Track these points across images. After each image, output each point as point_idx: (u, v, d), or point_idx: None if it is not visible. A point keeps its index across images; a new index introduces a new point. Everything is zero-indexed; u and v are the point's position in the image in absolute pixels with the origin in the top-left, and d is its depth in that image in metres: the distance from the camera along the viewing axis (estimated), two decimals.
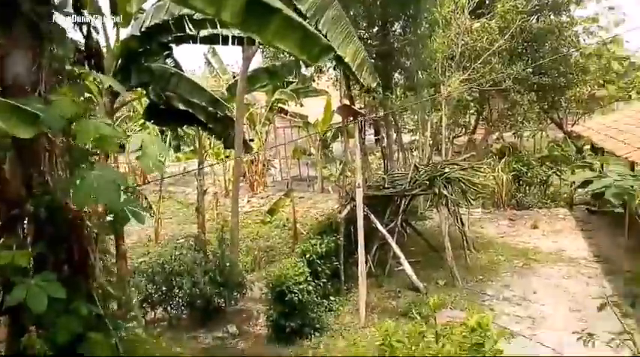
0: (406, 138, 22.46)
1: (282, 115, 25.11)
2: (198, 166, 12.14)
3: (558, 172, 19.62)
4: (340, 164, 14.76)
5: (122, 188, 4.20)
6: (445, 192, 11.62)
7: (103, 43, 8.72)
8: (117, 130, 4.65)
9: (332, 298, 10.78)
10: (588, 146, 19.55)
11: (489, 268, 12.58)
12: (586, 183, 5.43)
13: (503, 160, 19.30)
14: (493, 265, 12.83)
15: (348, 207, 11.81)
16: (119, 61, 8.47)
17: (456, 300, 10.72)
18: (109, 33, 8.58)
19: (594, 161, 14.62)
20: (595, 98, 24.68)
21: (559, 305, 10.42)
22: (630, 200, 3.92)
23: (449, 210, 12.50)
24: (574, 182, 18.97)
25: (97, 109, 8.84)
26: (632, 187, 4.57)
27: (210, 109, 10.39)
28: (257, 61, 17.39)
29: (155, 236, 18.41)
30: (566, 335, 9.08)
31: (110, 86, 8.01)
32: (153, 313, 10.62)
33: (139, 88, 10.09)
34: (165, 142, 17.92)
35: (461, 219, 13.33)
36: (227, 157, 21.65)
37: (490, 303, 10.68)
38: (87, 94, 9.28)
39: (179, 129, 13.71)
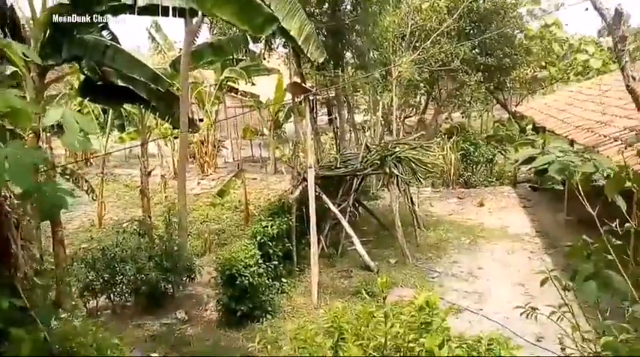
0: (358, 118, 22.47)
1: (233, 94, 24.42)
2: (141, 145, 11.54)
3: (503, 151, 20.29)
4: (293, 145, 14.53)
5: (43, 169, 3.78)
6: (396, 171, 11.67)
7: (28, 12, 7.99)
8: (36, 105, 4.18)
9: (284, 280, 10.64)
10: (531, 126, 20.25)
11: (438, 246, 12.85)
12: (530, 160, 5.49)
13: (451, 139, 19.70)
14: (442, 242, 13.11)
15: (300, 187, 11.64)
16: (47, 32, 7.75)
17: (406, 278, 10.86)
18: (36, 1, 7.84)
19: (537, 139, 15.13)
20: (537, 79, 25.59)
21: (504, 280, 10.78)
22: (571, 176, 3.93)
23: (399, 189, 12.60)
24: (517, 160, 19.70)
25: (24, 85, 8.13)
26: (572, 162, 4.61)
27: (152, 85, 9.80)
28: (204, 37, 16.70)
29: (99, 221, 17.55)
30: (510, 309, 9.43)
31: (41, 61, 7.35)
32: (95, 301, 10.10)
33: (72, 62, 9.34)
34: (107, 122, 17.02)
35: (411, 198, 13.50)
36: (176, 137, 20.87)
37: (439, 279, 10.91)
38: (10, 68, 8.54)
39: (122, 108, 12.95)
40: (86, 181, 14.51)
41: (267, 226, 10.46)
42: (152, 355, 8.65)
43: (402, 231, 11.87)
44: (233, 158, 25.55)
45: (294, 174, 12.18)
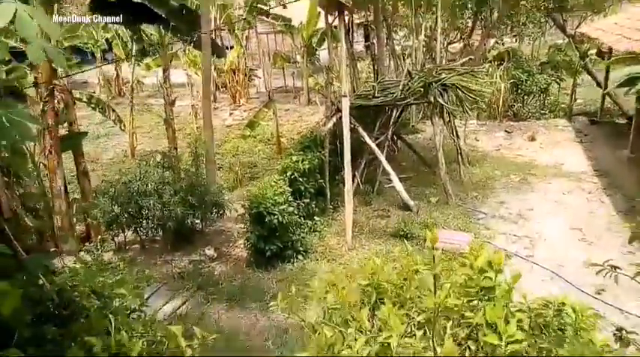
0: (398, 46, 20.73)
1: (264, 17, 22.87)
2: (163, 72, 10.72)
3: (559, 80, 18.35)
4: (326, 72, 13.38)
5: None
6: (441, 100, 10.46)
7: None
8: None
9: (316, 218, 10.01)
10: (594, 51, 18.08)
11: (484, 184, 11.82)
12: (632, 81, 4.33)
13: (501, 66, 17.89)
14: (488, 180, 12.06)
15: (334, 119, 10.67)
16: None
17: (449, 219, 10.02)
18: None
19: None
20: None
21: (558, 223, 9.78)
22: None
23: (444, 121, 11.43)
24: (574, 90, 17.85)
25: None
26: None
27: (173, 2, 8.78)
28: None
29: (131, 152, 17.35)
30: (566, 256, 8.54)
31: None
32: (123, 235, 9.85)
33: None
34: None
35: (456, 131, 12.32)
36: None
37: (485, 221, 10.02)
38: None
39: (142, 31, 11.98)
40: (113, 110, 14.02)
41: (298, 161, 9.68)
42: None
43: (445, 167, 10.87)
44: (266, 88, 24.53)
45: (328, 104, 11.16)
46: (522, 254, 8.66)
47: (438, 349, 2.91)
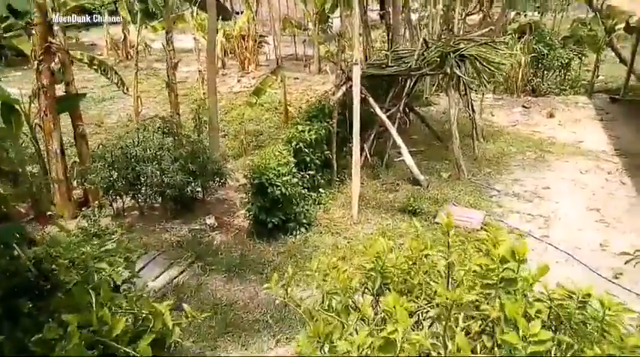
0: (414, 18, 19.88)
1: None
2: (167, 34, 10.21)
3: (581, 56, 17.50)
4: (337, 38, 12.75)
5: None
6: (458, 72, 9.89)
7: None
8: None
9: (322, 190, 9.64)
10: (621, 26, 17.15)
11: (499, 161, 11.32)
12: None
13: (522, 39, 17.06)
14: (503, 156, 11.56)
15: (344, 88, 10.17)
16: None
17: (460, 195, 9.60)
18: None
19: None
20: None
21: (575, 203, 9.33)
22: None
23: (460, 93, 10.86)
24: (597, 66, 17.04)
25: None
26: None
27: None
28: None
29: (135, 115, 16.95)
30: (582, 237, 8.13)
31: None
32: (121, 201, 9.56)
33: None
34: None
35: (472, 104, 11.76)
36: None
37: (498, 199, 9.59)
38: None
39: None
40: (116, 72, 13.56)
41: (304, 131, 9.24)
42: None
43: (458, 141, 10.38)
44: (276, 55, 23.85)
45: (338, 72, 10.62)
46: (536, 234, 8.26)
47: (449, 345, 2.54)
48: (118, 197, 9.36)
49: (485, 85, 10.73)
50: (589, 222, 8.61)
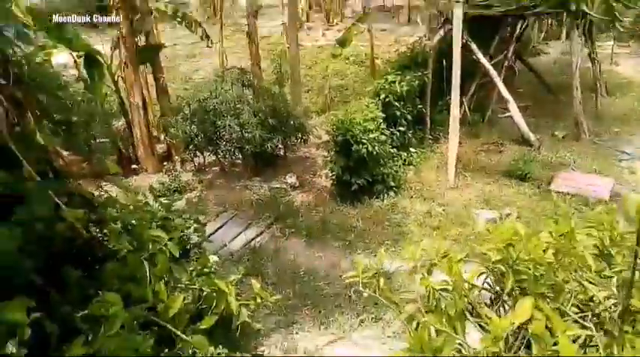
0: None
1: None
2: None
3: None
4: None
5: None
6: (586, 9, 8.15)
7: None
8: None
9: (413, 150, 8.64)
10: None
11: (628, 118, 9.56)
12: None
13: None
14: (633, 113, 9.68)
15: (441, 32, 8.87)
16: None
17: (580, 158, 8.12)
18: None
19: None
20: None
21: None
22: None
23: (585, 38, 9.06)
24: None
25: None
26: None
27: None
28: None
29: (221, 70, 16.83)
30: None
31: None
32: (202, 157, 9.30)
33: None
34: None
35: (595, 52, 9.87)
36: None
37: (629, 163, 8.02)
38: None
39: None
40: (200, 25, 13.24)
41: (394, 83, 8.20)
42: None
43: (580, 95, 8.74)
44: (362, 6, 22.48)
45: (434, 13, 9.28)
46: None
47: None
48: (199, 152, 9.09)
49: (619, 27, 8.82)
50: None
